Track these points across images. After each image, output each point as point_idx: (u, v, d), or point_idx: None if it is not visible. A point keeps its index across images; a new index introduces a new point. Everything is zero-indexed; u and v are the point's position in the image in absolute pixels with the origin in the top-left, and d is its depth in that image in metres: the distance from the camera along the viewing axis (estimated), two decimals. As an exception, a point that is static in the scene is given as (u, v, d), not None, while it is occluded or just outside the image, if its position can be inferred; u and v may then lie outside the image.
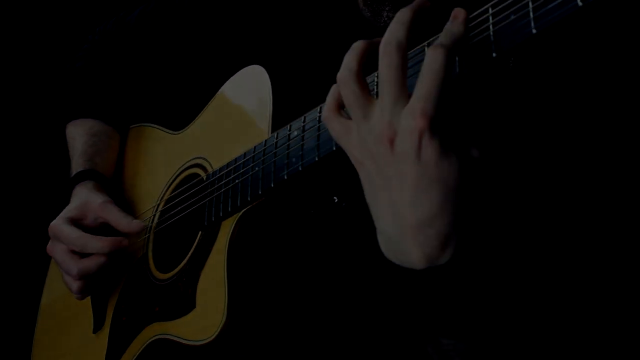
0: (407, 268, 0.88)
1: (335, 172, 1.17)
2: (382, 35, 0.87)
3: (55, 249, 1.37)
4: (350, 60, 0.88)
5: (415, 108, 0.81)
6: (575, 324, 0.98)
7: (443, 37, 0.85)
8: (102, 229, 1.39)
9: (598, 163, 1.02)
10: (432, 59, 0.82)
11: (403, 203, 0.84)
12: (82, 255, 1.36)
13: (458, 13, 0.87)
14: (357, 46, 0.89)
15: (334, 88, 0.91)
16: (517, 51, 0.83)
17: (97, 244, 1.34)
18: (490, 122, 1.05)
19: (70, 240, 1.35)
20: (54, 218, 1.40)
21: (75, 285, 1.38)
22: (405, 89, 0.84)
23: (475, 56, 0.86)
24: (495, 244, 0.91)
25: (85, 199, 1.40)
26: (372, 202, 0.90)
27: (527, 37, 0.81)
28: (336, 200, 1.18)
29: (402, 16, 0.87)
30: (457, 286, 0.88)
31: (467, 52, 0.86)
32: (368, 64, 0.89)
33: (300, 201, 1.20)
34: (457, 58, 0.86)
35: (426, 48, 0.93)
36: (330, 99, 0.91)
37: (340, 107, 0.90)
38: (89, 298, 1.47)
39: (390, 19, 1.16)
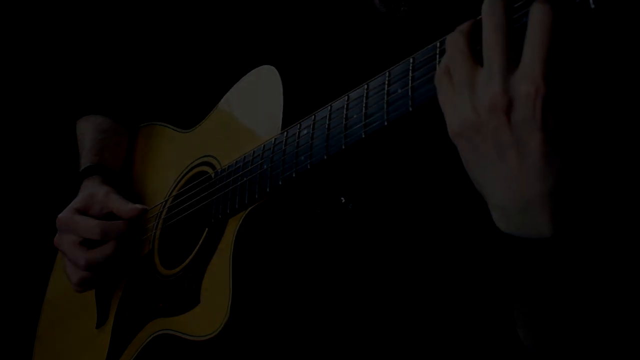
0: (528, 239, 0.83)
1: (343, 172, 1.17)
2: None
3: (63, 241, 1.38)
4: (463, 24, 0.83)
5: (533, 72, 0.75)
6: None
7: None
8: (108, 219, 1.40)
9: None
10: (542, 14, 0.76)
11: (528, 174, 0.79)
12: (88, 245, 1.36)
13: None
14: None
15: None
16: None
17: (117, 227, 1.35)
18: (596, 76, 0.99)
19: (87, 228, 1.35)
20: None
21: (77, 276, 1.38)
22: (514, 53, 0.77)
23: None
24: (606, 201, 0.88)
25: (91, 190, 1.41)
26: (481, 177, 0.84)
27: None
28: (343, 201, 1.18)
29: None
30: (581, 254, 0.82)
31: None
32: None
33: (307, 201, 1.20)
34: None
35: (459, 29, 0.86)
36: (443, 61, 0.85)
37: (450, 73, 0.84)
38: (93, 293, 1.48)
39: (408, 14, 1.16)
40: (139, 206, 1.38)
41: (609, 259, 0.87)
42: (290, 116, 1.18)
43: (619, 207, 0.94)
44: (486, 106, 0.79)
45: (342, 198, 1.18)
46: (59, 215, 1.38)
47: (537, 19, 0.76)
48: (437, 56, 0.91)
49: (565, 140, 0.78)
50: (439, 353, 1.18)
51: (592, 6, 0.75)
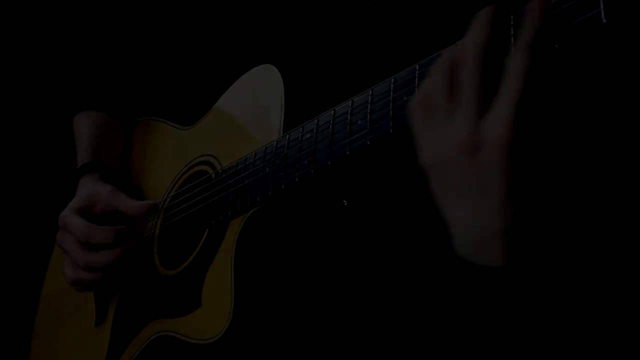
0: (484, 266, 0.86)
1: (345, 176, 1.17)
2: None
3: (65, 239, 1.37)
4: (444, 56, 0.85)
5: (501, 117, 0.78)
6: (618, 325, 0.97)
7: (525, 35, 0.79)
8: (111, 217, 1.39)
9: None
10: (519, 61, 0.78)
11: (489, 210, 0.82)
12: (89, 247, 1.36)
13: (535, 4, 0.80)
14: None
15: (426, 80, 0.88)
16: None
17: (101, 233, 1.35)
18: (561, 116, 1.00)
19: (76, 230, 1.35)
20: (59, 210, 1.40)
21: (74, 275, 1.38)
22: (487, 94, 0.80)
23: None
24: (563, 238, 0.91)
25: (94, 188, 1.41)
26: (445, 207, 0.87)
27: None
28: (345, 204, 1.18)
29: (485, 16, 0.83)
30: (535, 282, 0.85)
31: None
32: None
33: (309, 203, 1.19)
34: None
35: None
36: (422, 90, 0.87)
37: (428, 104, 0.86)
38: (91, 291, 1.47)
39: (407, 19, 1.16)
40: (146, 202, 1.38)
41: (563, 290, 0.90)
42: (290, 115, 1.18)
43: (577, 243, 0.97)
44: (456, 144, 0.82)
45: (345, 201, 1.18)
46: (61, 214, 1.38)
47: (514, 67, 0.79)
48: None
49: (527, 185, 0.81)
50: (441, 354, 1.18)
51: (604, 21, 0.75)
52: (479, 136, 0.80)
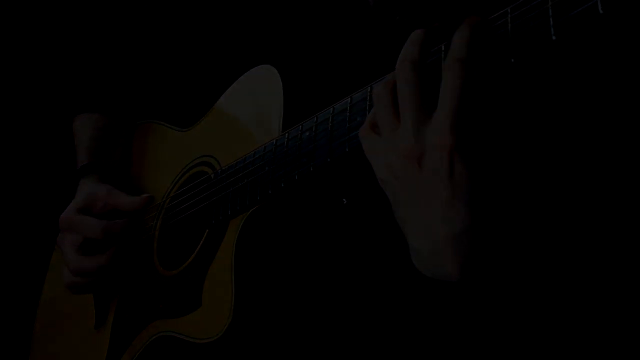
0: (441, 280, 0.90)
1: (345, 173, 1.17)
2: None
3: (65, 241, 1.38)
4: (388, 77, 0.89)
5: (441, 125, 0.82)
6: (583, 326, 0.98)
7: (458, 49, 0.85)
8: (110, 217, 1.40)
9: (603, 163, 1.02)
10: (452, 72, 0.82)
11: (435, 219, 0.85)
12: (85, 251, 1.36)
13: (472, 20, 0.86)
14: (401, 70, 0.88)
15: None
16: (535, 56, 0.83)
17: (118, 225, 1.37)
18: (504, 124, 1.04)
19: (89, 228, 1.35)
20: (59, 212, 1.40)
21: (68, 279, 1.39)
22: (425, 106, 0.85)
23: (493, 63, 0.85)
24: (515, 246, 0.92)
25: (92, 189, 1.42)
26: (401, 221, 0.91)
27: (546, 43, 0.81)
28: (345, 202, 1.18)
29: (416, 36, 0.89)
30: (491, 294, 0.88)
31: (485, 59, 0.85)
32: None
33: (309, 202, 1.19)
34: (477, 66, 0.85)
35: (442, 54, 0.92)
36: (370, 114, 0.92)
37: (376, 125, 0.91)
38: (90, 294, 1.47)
39: (403, 22, 1.17)
40: (143, 196, 1.40)
41: (520, 302, 0.92)
42: (289, 115, 1.18)
43: (532, 252, 0.98)
44: (401, 155, 0.86)
45: (344, 199, 1.17)
46: (61, 215, 1.38)
47: (447, 80, 0.83)
48: (443, 53, 0.91)
49: (471, 189, 0.84)
50: (442, 351, 1.18)
51: (601, 11, 0.76)
52: (421, 144, 0.84)
